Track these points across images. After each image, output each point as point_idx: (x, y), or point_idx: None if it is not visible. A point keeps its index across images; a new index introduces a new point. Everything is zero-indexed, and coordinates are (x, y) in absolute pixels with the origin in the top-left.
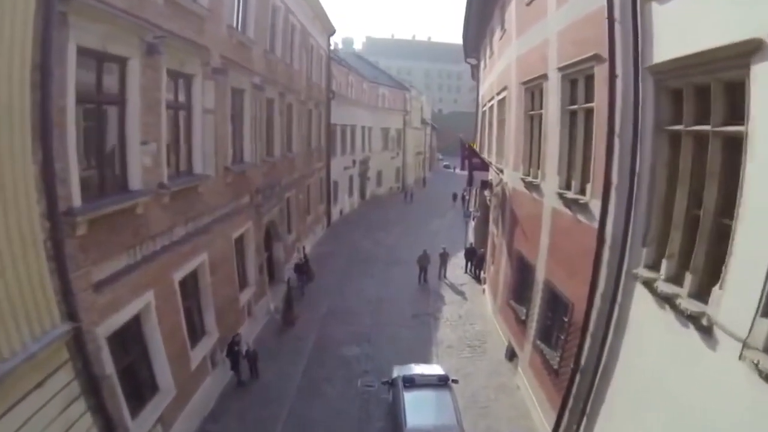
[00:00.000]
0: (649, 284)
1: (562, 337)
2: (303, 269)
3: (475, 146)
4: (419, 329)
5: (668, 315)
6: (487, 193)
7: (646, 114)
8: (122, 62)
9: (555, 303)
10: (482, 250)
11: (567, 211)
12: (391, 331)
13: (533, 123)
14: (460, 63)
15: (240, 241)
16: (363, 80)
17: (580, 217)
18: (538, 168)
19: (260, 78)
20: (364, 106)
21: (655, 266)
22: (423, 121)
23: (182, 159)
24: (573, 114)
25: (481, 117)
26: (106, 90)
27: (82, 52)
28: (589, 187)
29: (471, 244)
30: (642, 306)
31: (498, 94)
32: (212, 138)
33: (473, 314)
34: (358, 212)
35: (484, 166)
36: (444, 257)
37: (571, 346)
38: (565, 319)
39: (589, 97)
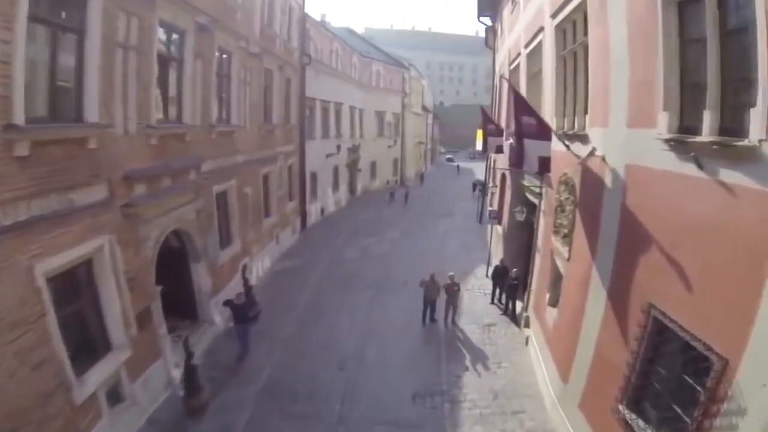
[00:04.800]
0: None
1: None
2: (243, 309)
3: (491, 117)
4: (426, 430)
5: None
6: (526, 182)
7: None
8: None
9: None
10: (516, 270)
11: None
12: None
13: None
14: (461, 54)
15: (69, 277)
16: (353, 52)
17: None
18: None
19: None
20: (353, 82)
21: None
22: (424, 108)
23: None
24: None
25: (508, 73)
26: None
27: None
28: None
29: (501, 261)
30: None
31: (556, 14)
32: None
33: (518, 391)
34: (345, 211)
35: (543, 132)
36: (452, 292)
37: None
38: None
39: None
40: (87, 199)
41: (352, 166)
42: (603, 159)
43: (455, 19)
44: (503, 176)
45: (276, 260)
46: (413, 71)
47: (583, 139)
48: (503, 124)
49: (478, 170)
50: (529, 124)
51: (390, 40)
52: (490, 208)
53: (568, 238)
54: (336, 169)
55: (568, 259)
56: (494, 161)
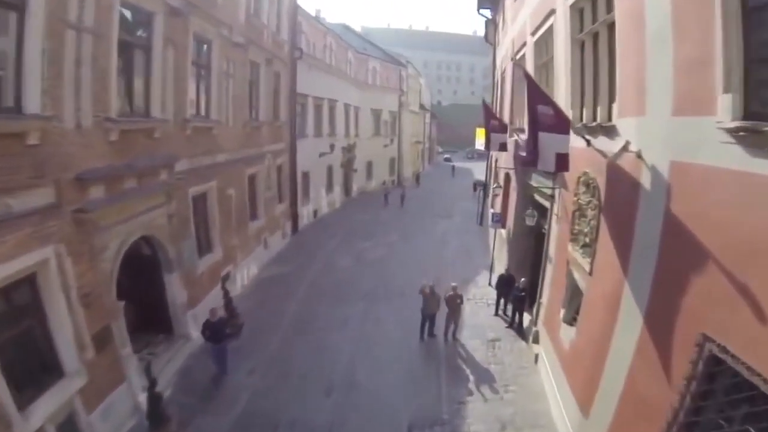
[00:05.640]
0: None
1: None
2: (219, 326)
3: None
4: None
5: None
6: (534, 182)
7: None
8: None
9: None
10: (524, 280)
11: None
12: None
13: None
14: (459, 53)
15: (7, 296)
16: (348, 48)
17: None
18: None
19: None
20: (348, 78)
21: None
22: (422, 106)
23: None
24: None
25: (512, 65)
26: None
27: None
28: None
29: (506, 269)
30: None
31: None
32: None
33: (528, 420)
34: (339, 213)
35: (561, 124)
36: (454, 305)
37: None
38: None
39: None
40: (28, 204)
41: (347, 166)
42: (638, 155)
43: (453, 17)
44: (507, 176)
45: (264, 266)
46: (410, 69)
47: (610, 131)
48: (506, 120)
49: (477, 171)
50: (545, 114)
51: (387, 39)
52: (493, 211)
53: (589, 248)
54: (330, 169)
55: (590, 273)
56: (496, 160)
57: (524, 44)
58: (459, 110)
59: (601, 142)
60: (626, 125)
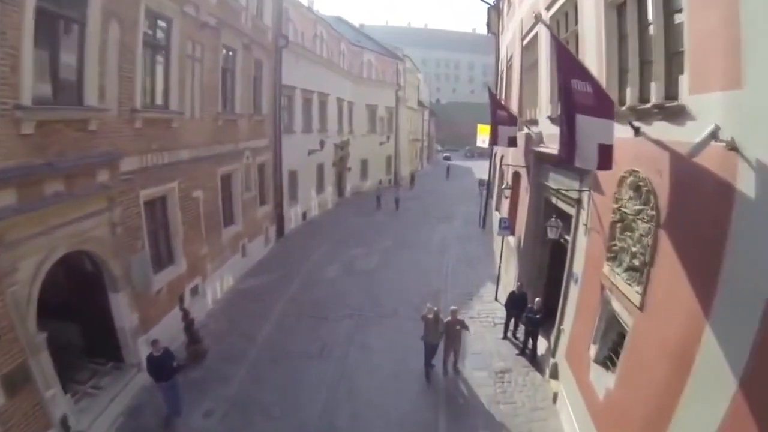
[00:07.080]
0: None
1: None
2: (162, 361)
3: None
4: None
5: None
6: (552, 183)
7: None
8: None
9: None
10: (539, 300)
11: None
12: None
13: None
14: (458, 51)
15: None
16: (340, 39)
17: None
18: None
19: None
20: (341, 71)
21: None
22: (420, 103)
23: None
24: None
25: (520, 51)
26: None
27: None
28: None
29: (518, 286)
30: None
31: None
32: None
33: None
34: (331, 215)
35: (603, 106)
36: (453, 331)
37: None
38: None
39: None
40: None
41: (340, 165)
42: (731, 146)
43: (452, 15)
44: (517, 175)
45: (241, 277)
46: (408, 63)
47: (676, 114)
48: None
49: (477, 171)
50: (581, 92)
51: (385, 37)
52: (500, 216)
53: (638, 273)
54: (321, 168)
55: (640, 307)
56: (501, 157)
57: (526, 32)
58: (458, 108)
59: (658, 129)
60: (706, 104)
